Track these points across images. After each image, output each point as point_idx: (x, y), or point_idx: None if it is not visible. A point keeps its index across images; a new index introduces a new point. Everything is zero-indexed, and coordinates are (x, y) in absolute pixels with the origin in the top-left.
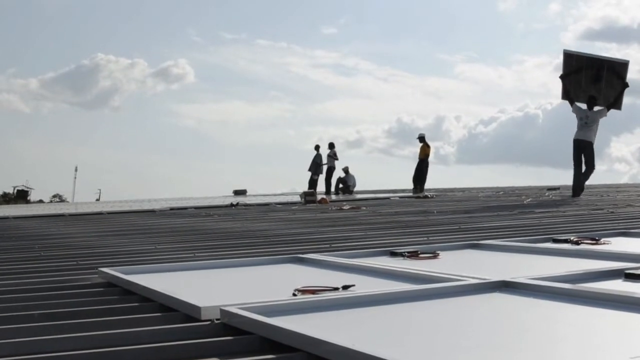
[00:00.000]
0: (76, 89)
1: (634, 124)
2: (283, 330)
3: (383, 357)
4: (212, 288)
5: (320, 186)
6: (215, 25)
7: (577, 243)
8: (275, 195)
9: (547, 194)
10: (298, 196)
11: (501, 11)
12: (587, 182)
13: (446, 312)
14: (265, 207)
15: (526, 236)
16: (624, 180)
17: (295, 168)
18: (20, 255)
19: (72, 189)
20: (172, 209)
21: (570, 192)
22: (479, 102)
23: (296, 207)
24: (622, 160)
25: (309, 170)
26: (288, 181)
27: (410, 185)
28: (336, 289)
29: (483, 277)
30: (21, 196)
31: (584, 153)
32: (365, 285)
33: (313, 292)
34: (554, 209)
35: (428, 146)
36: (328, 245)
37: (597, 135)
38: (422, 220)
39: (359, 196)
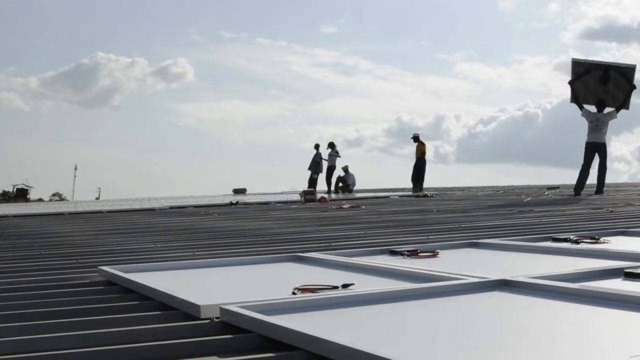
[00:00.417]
0: (76, 88)
1: (634, 123)
2: (283, 329)
3: (383, 355)
4: (212, 286)
5: (321, 185)
6: (215, 24)
7: (576, 242)
8: (275, 194)
9: (546, 193)
10: (298, 195)
11: (501, 10)
12: (587, 182)
13: (446, 311)
14: (265, 206)
15: (526, 235)
16: (623, 179)
17: (295, 167)
18: (20, 254)
19: (71, 188)
20: (171, 207)
21: (569, 191)
22: (478, 102)
23: (296, 205)
24: (621, 160)
25: (309, 169)
26: (288, 180)
27: (410, 185)
28: (336, 287)
29: (482, 276)
30: (21, 195)
31: (598, 154)
32: (364, 284)
33: (312, 290)
34: (554, 208)
35: (423, 144)
36: (327, 244)
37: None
38: (422, 219)
39: (358, 195)
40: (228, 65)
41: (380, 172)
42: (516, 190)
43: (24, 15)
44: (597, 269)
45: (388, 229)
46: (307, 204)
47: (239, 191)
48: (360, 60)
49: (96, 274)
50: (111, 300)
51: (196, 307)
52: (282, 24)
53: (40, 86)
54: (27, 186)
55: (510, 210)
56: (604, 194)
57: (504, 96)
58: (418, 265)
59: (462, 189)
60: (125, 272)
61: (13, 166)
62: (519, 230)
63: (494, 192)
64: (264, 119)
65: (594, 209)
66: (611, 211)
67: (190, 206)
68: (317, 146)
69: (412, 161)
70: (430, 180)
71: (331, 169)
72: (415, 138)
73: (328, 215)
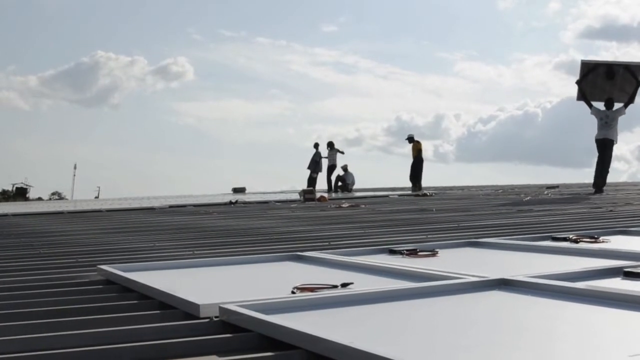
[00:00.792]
0: (76, 87)
1: (634, 122)
2: (282, 328)
3: (382, 354)
4: (211, 285)
5: (320, 184)
6: (214, 23)
7: (576, 241)
8: (274, 193)
9: (546, 192)
10: (297, 194)
11: (501, 10)
12: (587, 181)
13: (445, 310)
14: (264, 205)
15: (525, 234)
16: (623, 178)
17: (295, 166)
18: (20, 253)
19: (71, 187)
20: (171, 206)
21: (568, 191)
22: (478, 101)
23: (295, 205)
24: (621, 159)
25: (308, 168)
26: (287, 179)
27: (409, 184)
28: (335, 286)
29: (482, 275)
30: (20, 193)
31: (604, 150)
32: (364, 283)
33: (312, 289)
34: (553, 207)
35: (418, 143)
36: (327, 243)
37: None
38: (421, 218)
39: (358, 194)
40: (228, 64)
41: (380, 171)
42: (516, 189)
43: (23, 14)
44: (596, 268)
45: (387, 228)
46: (307, 203)
47: (238, 190)
48: (360, 59)
49: (95, 273)
50: (110, 300)
51: (195, 306)
52: (282, 23)
53: (39, 85)
54: (27, 185)
55: (509, 210)
56: (603, 192)
57: (504, 95)
58: (417, 264)
59: (462, 188)
60: (125, 271)
61: (12, 165)
62: (519, 230)
63: (493, 191)
64: (264, 118)
65: (593, 208)
66: (611, 210)
67: (189, 205)
68: (316, 145)
69: (411, 161)
70: (430, 180)
71: (331, 168)
72: (410, 139)
73: (327, 214)
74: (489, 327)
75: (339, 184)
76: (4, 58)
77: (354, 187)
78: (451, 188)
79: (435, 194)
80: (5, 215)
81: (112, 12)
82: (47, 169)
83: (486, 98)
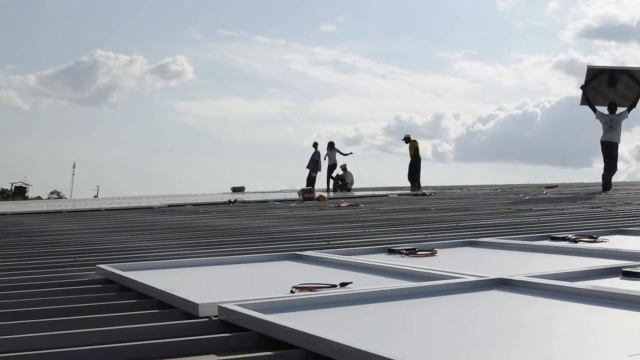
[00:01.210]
0: (75, 86)
1: (633, 122)
2: (281, 327)
3: (381, 354)
4: (210, 285)
5: (319, 183)
6: (214, 22)
7: (575, 241)
8: (273, 192)
9: (545, 192)
10: (296, 193)
11: (500, 9)
12: (586, 181)
13: (444, 309)
14: (263, 204)
15: (524, 234)
16: (622, 178)
17: (294, 165)
18: (18, 252)
19: (70, 186)
20: (170, 205)
21: (567, 190)
22: (477, 100)
23: (294, 204)
24: (620, 159)
25: (308, 167)
26: (287, 178)
27: (408, 183)
28: (334, 286)
29: (481, 274)
30: (19, 192)
31: (610, 152)
32: (362, 283)
33: (311, 289)
34: (552, 207)
35: (415, 141)
36: (326, 243)
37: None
38: (420, 218)
39: (357, 193)
40: (227, 63)
41: (379, 171)
42: (515, 189)
43: (22, 13)
44: (595, 268)
45: (386, 228)
46: (306, 202)
47: (237, 189)
48: (360, 58)
49: (94, 272)
50: (109, 299)
51: (194, 305)
52: (282, 23)
53: (39, 84)
54: (26, 184)
55: (508, 209)
56: (609, 192)
57: (503, 95)
58: (416, 263)
59: (461, 188)
60: (124, 270)
61: (11, 164)
62: (518, 229)
63: (492, 190)
64: (263, 117)
65: (592, 208)
66: (609, 210)
67: (188, 204)
68: (315, 144)
69: (409, 160)
70: (429, 179)
71: (332, 167)
72: (407, 139)
73: (326, 213)
74: (488, 326)
75: (339, 183)
76: (3, 57)
77: (353, 186)
78: (450, 187)
79: (434, 193)
80: (4, 214)
81: (111, 11)
82: (46, 168)
83: (485, 97)
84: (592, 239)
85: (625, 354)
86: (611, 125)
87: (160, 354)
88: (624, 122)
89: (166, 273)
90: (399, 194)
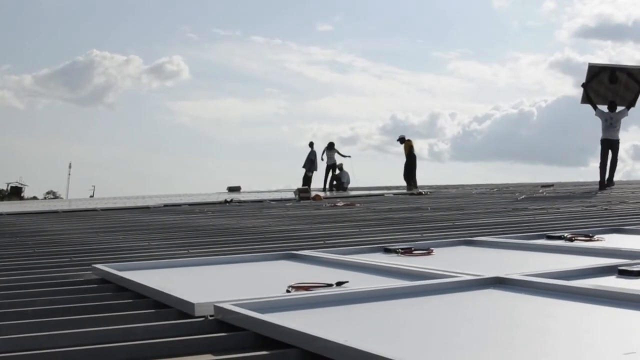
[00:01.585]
0: (71, 86)
1: (629, 121)
2: (277, 327)
3: (376, 353)
4: (206, 284)
5: (315, 183)
6: (209, 22)
7: (571, 240)
8: (269, 192)
9: (541, 190)
10: (292, 193)
11: (496, 9)
12: (585, 180)
13: (440, 308)
14: (259, 204)
15: (520, 233)
16: (618, 177)
17: (290, 165)
18: (14, 252)
19: (66, 186)
20: (166, 205)
21: (563, 189)
22: (473, 99)
23: (290, 203)
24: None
25: (304, 167)
26: (283, 178)
27: (404, 183)
28: (330, 285)
29: (477, 273)
30: (15, 193)
31: (611, 150)
32: (358, 282)
33: (307, 288)
34: (548, 206)
35: (409, 141)
36: (322, 242)
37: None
38: (416, 217)
39: (352, 193)
40: (223, 63)
41: (375, 170)
42: (511, 188)
43: (18, 13)
44: (591, 267)
45: (382, 227)
46: (302, 202)
47: (233, 189)
48: (355, 58)
49: (90, 272)
50: (105, 299)
51: (190, 305)
52: (277, 22)
53: (34, 84)
54: (21, 184)
55: (504, 208)
56: (613, 186)
57: (499, 94)
58: (412, 263)
59: (457, 187)
60: (120, 270)
61: (7, 164)
62: (514, 228)
63: (488, 190)
64: (259, 117)
65: (588, 207)
66: (605, 209)
67: (184, 204)
68: (311, 144)
69: (404, 160)
70: (425, 178)
71: (331, 168)
72: (401, 139)
73: (322, 213)
74: (484, 325)
75: (334, 182)
76: None
77: (349, 185)
78: (446, 187)
79: (430, 192)
80: (0, 214)
81: (107, 11)
82: (42, 168)
83: (481, 97)
84: (588, 238)
85: (621, 352)
86: (611, 123)
87: (156, 353)
88: (622, 120)
89: (162, 273)
90: (395, 194)
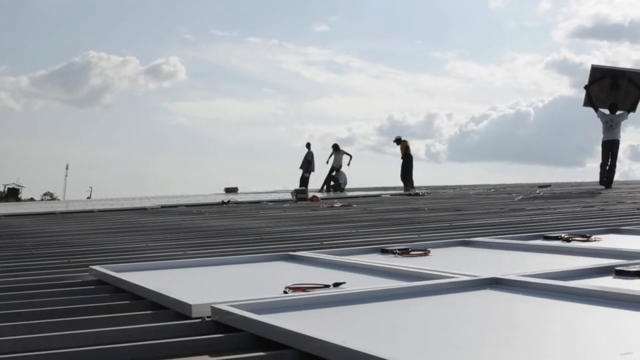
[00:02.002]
0: (67, 87)
1: (627, 122)
2: (274, 328)
3: (374, 354)
4: (203, 286)
5: (313, 184)
6: (206, 22)
7: (568, 240)
8: (266, 193)
9: (538, 191)
10: (289, 194)
11: (492, 9)
12: (582, 180)
13: (437, 309)
14: (257, 205)
15: (517, 233)
16: (615, 177)
17: (287, 166)
18: (11, 253)
19: (63, 187)
20: (163, 206)
21: (560, 190)
22: (470, 100)
23: (287, 204)
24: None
25: (301, 167)
26: (280, 179)
27: (401, 184)
28: (327, 286)
29: (474, 274)
30: (12, 194)
31: (611, 151)
32: (356, 283)
33: (304, 289)
34: (545, 206)
35: (405, 141)
36: (319, 243)
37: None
38: (413, 218)
39: (350, 194)
40: (220, 64)
41: (372, 171)
42: (508, 188)
43: (14, 14)
44: (588, 267)
45: (379, 228)
46: (299, 202)
47: (230, 190)
48: (352, 58)
49: (87, 273)
50: (102, 300)
51: (187, 306)
52: (274, 23)
53: (31, 85)
54: (18, 185)
55: (501, 209)
56: (612, 188)
57: (496, 94)
58: (409, 263)
59: (454, 188)
60: (117, 271)
61: (4, 166)
62: (511, 229)
63: (485, 190)
64: (256, 117)
65: (585, 207)
66: (602, 209)
67: (181, 205)
68: (308, 145)
69: (401, 161)
70: (422, 179)
71: (334, 169)
72: (397, 140)
73: (319, 214)
74: (481, 326)
75: (331, 183)
76: None
77: (346, 186)
78: (443, 187)
79: (427, 193)
80: None
81: (104, 12)
82: (39, 169)
83: (478, 97)
84: (585, 238)
85: (617, 353)
86: (611, 125)
87: (153, 354)
88: (598, 120)
89: (159, 274)
90: (392, 194)
